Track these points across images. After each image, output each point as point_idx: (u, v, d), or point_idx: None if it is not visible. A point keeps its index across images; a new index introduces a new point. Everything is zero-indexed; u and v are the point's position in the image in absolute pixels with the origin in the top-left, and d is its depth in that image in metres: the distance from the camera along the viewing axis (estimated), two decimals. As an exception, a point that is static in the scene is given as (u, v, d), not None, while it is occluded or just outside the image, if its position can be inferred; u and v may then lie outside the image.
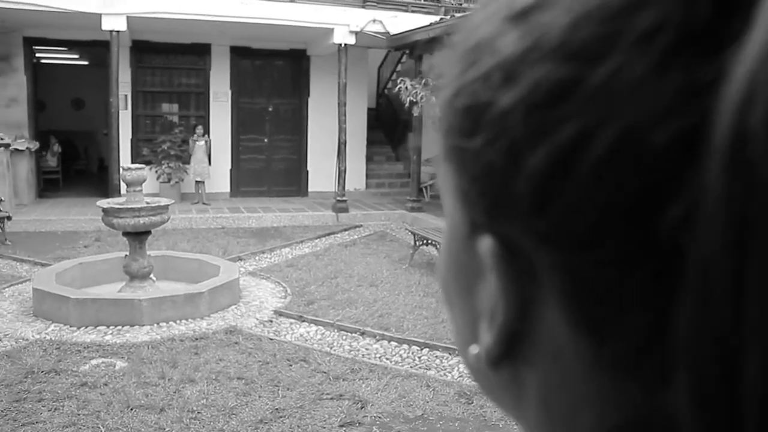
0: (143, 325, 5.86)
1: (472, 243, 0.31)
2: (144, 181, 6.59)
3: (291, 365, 5.10)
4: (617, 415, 0.28)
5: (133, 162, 13.53)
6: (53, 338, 5.57)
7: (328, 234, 11.02)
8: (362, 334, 5.87)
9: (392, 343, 5.70)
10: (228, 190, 14.26)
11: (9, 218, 9.96)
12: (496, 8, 0.29)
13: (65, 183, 15.79)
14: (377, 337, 5.79)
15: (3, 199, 10.24)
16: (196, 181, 13.12)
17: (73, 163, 18.16)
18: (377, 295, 7.11)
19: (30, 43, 13.41)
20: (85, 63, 17.49)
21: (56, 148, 15.86)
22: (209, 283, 6.46)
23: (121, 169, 6.63)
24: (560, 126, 0.25)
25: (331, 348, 5.54)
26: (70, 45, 14.21)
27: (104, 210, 6.43)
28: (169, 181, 13.20)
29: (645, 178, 0.24)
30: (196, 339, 5.57)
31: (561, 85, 0.25)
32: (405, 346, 5.64)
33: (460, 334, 0.35)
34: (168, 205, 6.62)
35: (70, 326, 5.85)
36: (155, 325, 5.90)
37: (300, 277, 7.83)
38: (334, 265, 8.51)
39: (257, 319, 6.27)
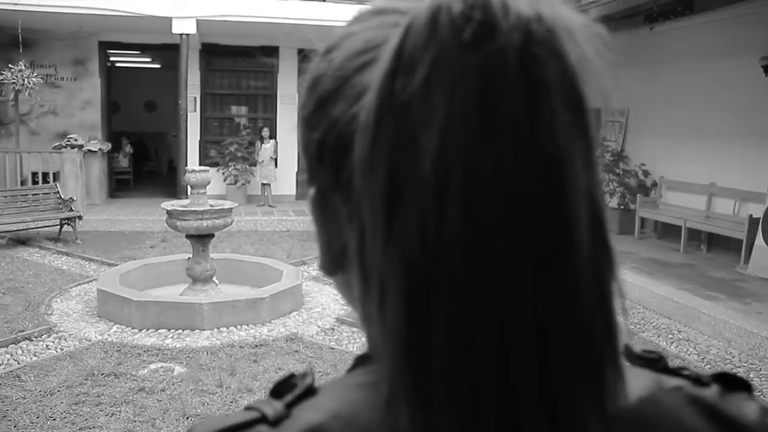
0: (204, 330, 5.77)
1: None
2: (208, 183, 6.51)
3: (352, 376, 4.90)
4: None
5: (200, 164, 13.68)
6: (115, 340, 5.53)
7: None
8: (427, 345, 5.64)
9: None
10: (294, 192, 14.23)
11: (80, 218, 10.12)
12: (322, 48, 0.51)
13: (136, 183, 16.10)
14: (442, 349, 5.54)
15: (75, 198, 10.42)
16: (263, 184, 13.13)
17: (144, 164, 18.54)
18: (443, 304, 6.85)
19: (105, 47, 13.71)
20: (158, 66, 17.85)
21: (128, 149, 16.19)
22: (271, 289, 6.34)
23: (185, 171, 6.56)
24: (325, 118, 0.47)
25: (394, 359, 5.32)
26: (143, 48, 14.46)
27: (168, 212, 6.38)
28: (235, 182, 13.25)
29: (343, 156, 0.45)
30: (256, 346, 5.43)
31: (330, 92, 0.47)
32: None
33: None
34: (232, 208, 6.53)
35: (132, 328, 5.81)
36: (216, 329, 5.80)
37: (363, 283, 7.64)
38: (398, 272, 8.29)
39: (319, 326, 6.11)
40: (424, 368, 0.38)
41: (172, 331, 5.75)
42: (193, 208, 6.27)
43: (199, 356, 5.17)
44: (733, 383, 0.51)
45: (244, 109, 14.35)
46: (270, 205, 13.02)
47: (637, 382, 0.47)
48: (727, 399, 0.50)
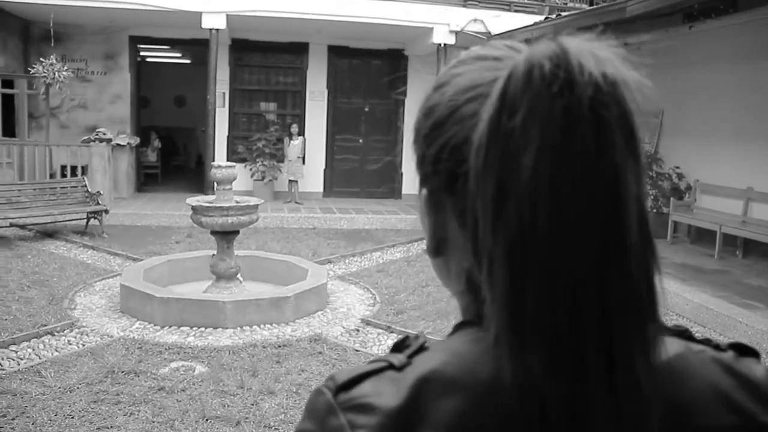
0: (226, 328, 5.67)
1: (420, 194, 0.69)
2: (234, 179, 6.42)
3: (376, 381, 4.76)
4: (466, 272, 0.65)
5: (228, 159, 13.65)
6: (136, 337, 5.45)
7: (421, 239, 10.61)
8: (454, 349, 5.48)
9: (486, 361, 5.28)
10: (321, 190, 14.15)
11: (107, 211, 10.11)
12: (433, 83, 0.68)
13: (164, 178, 16.12)
14: (470, 354, 5.38)
15: (102, 192, 10.42)
16: (290, 180, 13.05)
17: (173, 159, 18.58)
18: (470, 307, 6.68)
19: (135, 41, 13.73)
20: (188, 61, 17.87)
21: (156, 143, 16.22)
22: (296, 288, 6.22)
23: (212, 167, 6.47)
24: (438, 138, 0.64)
25: (419, 363, 5.17)
26: (173, 43, 14.46)
27: (193, 208, 6.30)
28: (262, 179, 13.19)
29: (459, 163, 0.61)
30: (279, 346, 5.32)
31: (442, 119, 0.64)
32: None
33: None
34: (257, 204, 6.43)
35: (154, 325, 5.73)
36: (238, 328, 5.70)
37: (390, 283, 7.50)
38: (426, 273, 8.13)
39: (343, 327, 5.98)
40: (521, 317, 0.53)
41: (194, 328, 5.66)
42: (218, 204, 6.18)
43: (221, 355, 5.06)
44: (744, 351, 0.68)
45: (272, 106, 14.29)
46: (297, 202, 12.94)
47: (671, 346, 0.62)
48: (741, 361, 0.66)
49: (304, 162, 13.26)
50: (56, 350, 5.18)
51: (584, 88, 0.51)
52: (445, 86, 0.65)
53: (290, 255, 8.44)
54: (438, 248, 0.68)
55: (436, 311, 6.46)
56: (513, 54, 0.64)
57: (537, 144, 0.51)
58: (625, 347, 0.53)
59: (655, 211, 10.50)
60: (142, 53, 15.47)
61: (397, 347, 0.64)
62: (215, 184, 6.53)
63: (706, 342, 0.67)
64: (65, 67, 11.56)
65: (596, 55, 0.53)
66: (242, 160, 13.35)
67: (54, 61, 11.44)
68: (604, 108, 0.52)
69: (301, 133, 13.48)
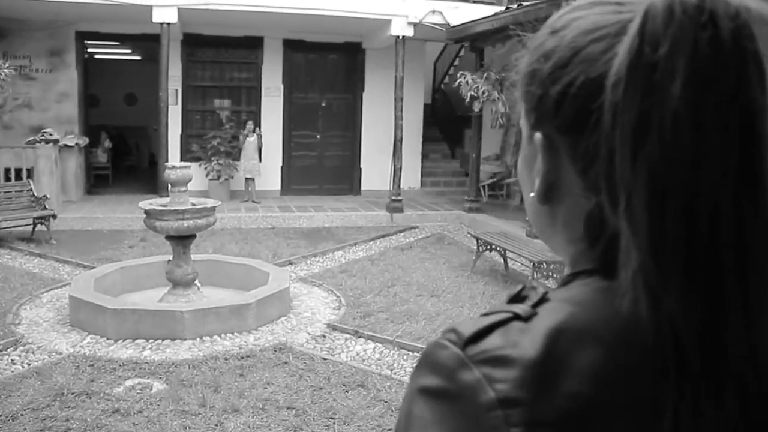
0: (185, 339, 5.35)
1: (531, 139, 0.67)
2: (189, 180, 6.08)
3: (347, 391, 4.50)
4: (587, 216, 0.63)
5: (182, 158, 13.19)
6: (88, 353, 5.10)
7: (383, 236, 10.42)
8: (425, 354, 5.25)
9: (459, 365, 5.06)
10: (279, 188, 13.81)
11: (54, 216, 9.63)
12: (545, 28, 0.67)
13: (115, 179, 15.57)
14: (442, 359, 5.16)
15: (49, 196, 9.93)
16: (246, 179, 12.70)
17: (124, 159, 18.00)
18: (439, 307, 6.47)
19: (82, 37, 13.18)
20: (138, 58, 17.32)
21: (107, 143, 15.66)
22: (257, 293, 5.92)
23: (165, 168, 6.12)
24: (563, 78, 0.62)
25: (392, 371, 4.94)
26: (122, 39, 13.93)
27: (146, 212, 5.95)
28: (218, 178, 12.81)
29: (590, 100, 0.59)
30: (242, 357, 5.02)
31: (565, 60, 0.63)
32: (474, 369, 5.00)
33: (526, 193, 0.72)
34: (214, 206, 6.11)
35: (107, 339, 5.38)
36: (198, 339, 5.39)
37: (355, 284, 7.25)
38: (390, 272, 7.91)
39: (309, 333, 5.70)
40: (662, 247, 0.52)
41: (150, 341, 5.33)
42: (173, 208, 5.84)
43: (180, 370, 4.75)
44: None
45: (227, 102, 13.88)
46: (254, 201, 12.60)
47: None
48: None
49: (260, 159, 12.91)
50: (-1, 371, 4.80)
51: (726, 20, 0.52)
52: (563, 30, 0.65)
53: (250, 257, 8.12)
54: (547, 193, 0.67)
55: (404, 313, 6.22)
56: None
57: (684, 74, 0.52)
58: (759, 277, 0.53)
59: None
60: (90, 50, 14.89)
61: (515, 299, 0.64)
62: (169, 185, 6.18)
63: None
64: (6, 65, 10.98)
65: None
66: (197, 159, 12.96)
67: (-6, 59, 10.87)
68: (745, 39, 0.52)
69: (257, 129, 13.11)
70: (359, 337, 5.61)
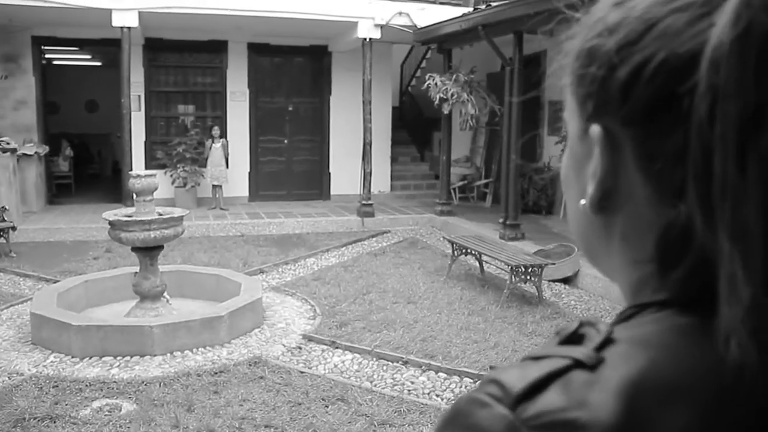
0: (155, 356, 5.12)
1: (584, 135, 0.55)
2: (155, 189, 5.85)
3: (327, 406, 4.33)
4: (662, 230, 0.50)
5: (147, 166, 12.88)
6: (51, 373, 4.84)
7: (355, 241, 10.25)
8: (405, 363, 5.10)
9: (440, 374, 4.93)
10: (247, 194, 13.56)
11: (14, 228, 9.29)
12: (605, 2, 0.55)
13: (78, 188, 15.15)
14: (423, 368, 5.02)
15: (7, 207, 9.58)
16: (213, 185, 12.44)
17: (87, 167, 17.56)
18: (417, 314, 6.33)
19: (39, 42, 12.77)
20: (98, 63, 16.93)
21: (68, 152, 15.23)
22: (229, 305, 5.71)
23: (130, 177, 5.88)
24: (634, 55, 0.49)
25: (372, 382, 4.77)
26: (81, 44, 13.55)
27: (110, 223, 5.71)
28: (184, 185, 12.52)
29: (674, 82, 0.47)
30: (216, 373, 4.81)
31: (636, 35, 0.50)
32: (456, 378, 4.87)
33: (572, 200, 0.58)
34: (182, 216, 5.88)
35: (72, 357, 5.13)
36: (168, 354, 5.17)
37: (329, 292, 7.07)
38: (365, 278, 7.75)
39: (284, 345, 5.51)
40: None
41: (118, 358, 5.09)
42: (138, 218, 5.61)
43: (151, 389, 4.52)
44: None
45: (191, 108, 13.59)
46: (222, 208, 12.34)
47: None
48: None
49: (227, 166, 12.65)
50: (-44, 395, 4.52)
51: None
52: (629, 1, 0.53)
53: (220, 267, 7.91)
54: (602, 200, 0.54)
55: (381, 321, 6.07)
56: None
57: None
58: None
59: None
60: (48, 55, 14.49)
61: (570, 338, 0.51)
62: (134, 195, 5.94)
63: None
64: (-41, 72, 10.59)
65: None
66: (162, 166, 12.65)
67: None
68: None
69: (223, 135, 12.86)
70: (336, 348, 5.43)
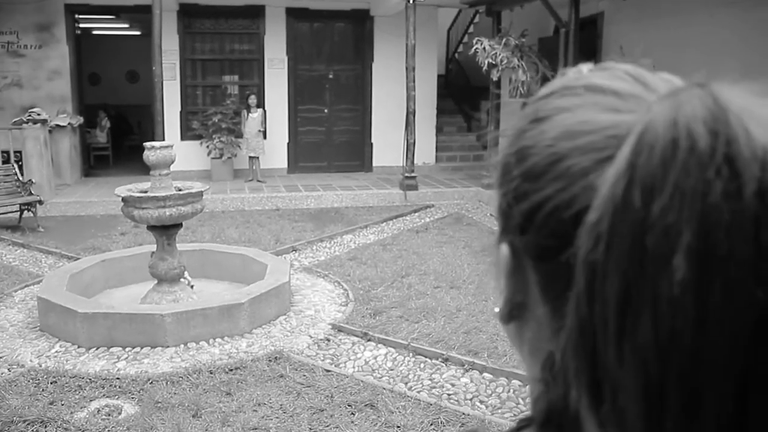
0: (167, 347, 4.63)
1: (498, 246, 0.54)
2: (172, 162, 5.34)
3: (353, 414, 3.76)
4: (546, 354, 0.49)
5: (183, 136, 12.48)
6: (53, 366, 4.38)
7: (396, 216, 9.65)
8: (445, 361, 4.50)
9: (485, 375, 4.31)
10: (285, 165, 13.04)
11: (40, 202, 8.94)
12: (530, 107, 0.53)
13: (116, 159, 14.89)
14: (465, 366, 4.41)
15: (34, 181, 9.23)
16: (250, 157, 11.96)
17: (126, 139, 17.30)
18: (460, 301, 5.71)
19: (72, 10, 12.39)
20: (138, 33, 16.56)
21: (105, 122, 14.93)
22: (251, 290, 5.18)
23: (145, 148, 5.37)
24: (533, 194, 0.48)
25: (406, 385, 4.18)
26: (114, 11, 13.16)
27: (123, 199, 5.22)
28: (220, 156, 12.07)
29: (563, 236, 0.45)
30: (230, 370, 4.29)
31: (540, 169, 0.48)
32: (503, 380, 4.24)
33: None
34: (201, 191, 5.35)
35: (78, 347, 4.67)
36: (182, 346, 4.67)
37: (364, 274, 6.49)
38: (404, 258, 7.14)
39: (310, 336, 4.96)
40: None
41: (127, 350, 4.61)
42: (152, 194, 5.10)
43: (156, 389, 4.02)
44: None
45: (228, 76, 13.08)
46: (259, 180, 11.86)
47: None
48: None
49: (265, 136, 12.14)
50: (-52, 390, 4.10)
51: (751, 168, 0.38)
52: (544, 122, 0.50)
53: (249, 243, 7.41)
54: (511, 314, 0.55)
55: (420, 309, 5.47)
56: (641, 92, 0.49)
57: (688, 245, 0.38)
58: None
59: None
60: (83, 24, 14.13)
61: None
62: (152, 168, 5.43)
63: None
64: (-11, 40, 10.24)
65: (764, 117, 0.41)
66: (198, 137, 12.26)
67: (-25, 34, 10.11)
68: None
69: (261, 105, 12.33)
70: (368, 340, 4.86)
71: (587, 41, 9.98)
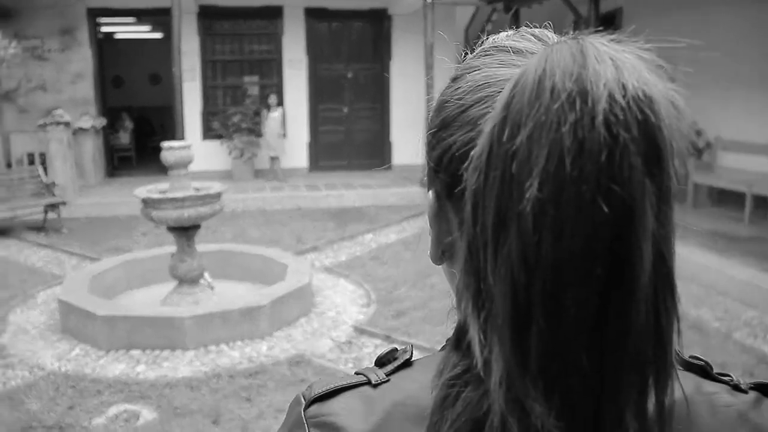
0: (187, 350, 4.60)
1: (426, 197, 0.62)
2: (190, 162, 5.31)
3: (374, 418, 3.70)
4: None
5: (204, 137, 12.52)
6: (72, 370, 4.37)
7: (417, 215, 9.55)
8: (468, 363, 4.42)
9: (510, 377, 4.22)
10: (305, 165, 13.01)
11: (63, 204, 8.98)
12: (456, 69, 0.61)
13: (140, 160, 14.97)
14: (489, 369, 4.32)
15: (58, 182, 9.28)
16: (271, 157, 11.93)
17: (149, 140, 17.41)
18: (483, 301, 5.62)
19: (94, 14, 12.44)
20: (159, 36, 16.65)
21: (128, 124, 15.01)
22: (272, 292, 5.14)
23: (164, 149, 5.35)
24: (443, 140, 0.57)
25: (428, 388, 4.11)
26: (135, 14, 13.19)
27: (142, 200, 5.19)
28: (241, 156, 12.06)
29: (459, 171, 0.52)
30: (251, 375, 4.24)
31: (450, 119, 0.57)
32: (528, 382, 4.16)
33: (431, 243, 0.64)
34: (220, 192, 5.31)
35: (98, 349, 4.66)
36: (202, 349, 4.63)
37: (386, 274, 6.42)
38: (426, 258, 6.99)
39: (332, 339, 4.90)
40: (526, 362, 0.46)
41: (147, 352, 4.59)
42: (170, 195, 5.07)
43: (175, 394, 3.98)
44: None
45: (247, 77, 13.07)
46: (280, 180, 11.83)
47: (678, 384, 0.53)
48: (761, 406, 0.59)
49: (285, 136, 12.12)
50: (-31, 393, 4.10)
51: (599, 103, 0.44)
52: (459, 80, 0.59)
53: (271, 243, 7.38)
54: (441, 255, 0.63)
55: (443, 310, 5.35)
56: (538, 47, 0.56)
57: (541, 169, 0.44)
58: (616, 398, 0.47)
59: (674, 172, 9.42)
60: (106, 28, 14.22)
61: (381, 361, 0.63)
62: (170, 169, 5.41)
63: (724, 380, 0.61)
64: (12, 44, 10.29)
65: (618, 60, 0.46)
66: (218, 137, 12.26)
67: (-1, 38, 10.17)
68: (622, 127, 0.44)
69: (280, 104, 12.31)
70: (391, 343, 4.79)
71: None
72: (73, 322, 4.89)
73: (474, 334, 0.49)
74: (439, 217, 0.60)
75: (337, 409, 0.57)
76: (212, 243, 7.00)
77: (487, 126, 0.48)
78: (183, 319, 4.65)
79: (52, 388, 4.08)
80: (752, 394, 0.60)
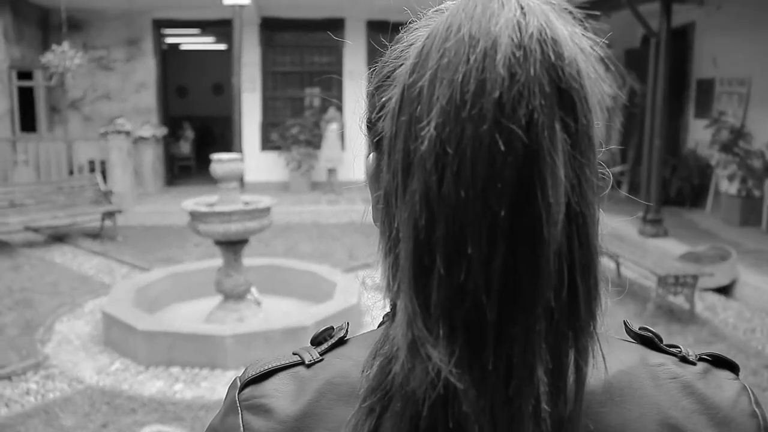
0: (227, 370, 4.45)
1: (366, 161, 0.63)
2: (240, 175, 5.20)
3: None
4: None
5: (262, 148, 12.53)
6: (109, 384, 4.27)
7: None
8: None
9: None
10: (363, 178, 12.85)
11: (119, 212, 9.04)
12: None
13: (200, 170, 15.10)
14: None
15: (114, 190, 9.36)
16: (328, 169, 11.83)
17: (210, 150, 17.61)
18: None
19: (159, 25, 12.64)
20: (223, 47, 16.86)
21: (189, 133, 15.19)
22: (318, 312, 4.96)
23: (213, 161, 5.25)
24: (380, 96, 0.57)
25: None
26: (198, 25, 13.32)
27: (190, 213, 5.09)
28: (299, 168, 12.00)
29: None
30: (289, 398, 4.06)
31: (386, 75, 0.59)
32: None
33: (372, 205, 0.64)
34: (269, 207, 5.17)
35: (138, 364, 4.55)
36: (242, 368, 4.47)
37: (437, 295, 6.17)
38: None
39: (377, 363, 4.69)
40: (427, 308, 0.45)
41: (186, 369, 4.46)
42: (218, 209, 4.95)
43: (210, 417, 3.83)
44: (720, 363, 0.60)
45: (307, 88, 13.04)
46: (336, 193, 11.71)
47: (623, 356, 0.56)
48: (709, 377, 0.58)
49: (343, 148, 12.02)
50: (6, 405, 4.03)
51: (499, 44, 0.44)
52: (396, 43, 0.62)
53: (322, 258, 7.22)
54: (377, 215, 0.60)
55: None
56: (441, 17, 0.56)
57: (441, 109, 0.45)
58: (524, 351, 0.45)
59: (744, 194, 8.90)
60: (170, 39, 14.45)
61: (317, 339, 0.62)
62: (220, 181, 5.30)
63: (672, 351, 0.60)
64: (78, 55, 10.47)
65: (525, 4, 0.46)
66: (276, 148, 12.24)
67: (66, 49, 10.36)
68: (521, 68, 0.44)
69: (340, 116, 12.23)
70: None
71: (678, 52, 9.38)
72: (116, 335, 4.81)
73: (383, 279, 0.50)
74: (376, 177, 0.60)
75: (269, 390, 0.56)
76: (261, 257, 6.88)
77: (401, 75, 0.48)
78: (224, 337, 4.51)
79: (88, 403, 3.98)
80: (701, 365, 0.59)
